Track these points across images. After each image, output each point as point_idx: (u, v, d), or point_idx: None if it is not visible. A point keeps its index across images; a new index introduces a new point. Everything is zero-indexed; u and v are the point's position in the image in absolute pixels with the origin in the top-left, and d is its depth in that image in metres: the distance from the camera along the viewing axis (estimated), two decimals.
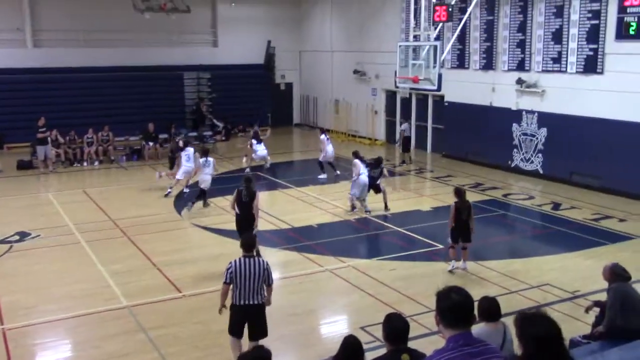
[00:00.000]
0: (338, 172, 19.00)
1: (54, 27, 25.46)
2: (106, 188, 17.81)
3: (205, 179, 15.33)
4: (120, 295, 10.10)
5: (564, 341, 3.84)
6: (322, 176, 18.78)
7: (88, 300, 9.90)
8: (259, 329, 7.46)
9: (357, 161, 14.85)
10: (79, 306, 9.67)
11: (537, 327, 3.79)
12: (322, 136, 19.11)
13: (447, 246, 11.30)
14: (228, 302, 7.46)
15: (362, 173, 14.66)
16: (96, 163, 21.47)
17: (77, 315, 9.38)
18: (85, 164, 21.37)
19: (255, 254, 7.62)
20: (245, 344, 7.50)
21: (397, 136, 23.18)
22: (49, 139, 20.28)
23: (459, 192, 11.06)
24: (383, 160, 15.99)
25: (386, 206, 15.02)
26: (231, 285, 7.31)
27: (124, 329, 8.91)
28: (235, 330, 7.49)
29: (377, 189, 15.07)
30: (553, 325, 3.83)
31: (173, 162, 18.17)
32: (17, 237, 13.27)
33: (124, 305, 9.70)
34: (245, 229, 10.37)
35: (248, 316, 7.40)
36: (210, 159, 15.61)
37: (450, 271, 10.99)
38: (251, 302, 7.29)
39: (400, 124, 23.27)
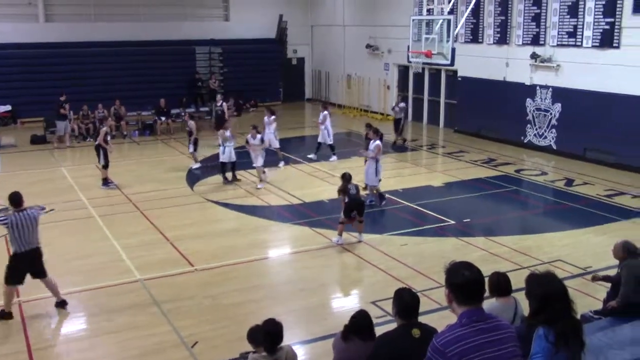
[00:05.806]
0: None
1: (66, 2, 25.44)
2: (118, 163, 17.83)
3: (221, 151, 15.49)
4: (134, 268, 10.21)
5: (569, 299, 4.09)
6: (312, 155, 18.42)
7: (102, 273, 10.02)
8: (41, 269, 8.62)
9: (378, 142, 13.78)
10: (93, 279, 9.79)
11: (542, 285, 4.13)
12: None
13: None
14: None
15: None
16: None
17: (90, 289, 9.50)
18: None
19: (24, 207, 8.46)
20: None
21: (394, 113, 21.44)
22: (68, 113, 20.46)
23: (343, 176, 11.40)
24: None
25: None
26: (9, 237, 8.41)
27: (137, 302, 9.01)
28: (16, 279, 8.49)
29: None
30: (557, 283, 4.15)
31: None
32: None
33: (137, 279, 9.80)
34: None
35: (32, 260, 8.48)
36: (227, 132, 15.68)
37: (340, 244, 11.24)
38: (34, 247, 8.45)
39: (397, 102, 21.24)
